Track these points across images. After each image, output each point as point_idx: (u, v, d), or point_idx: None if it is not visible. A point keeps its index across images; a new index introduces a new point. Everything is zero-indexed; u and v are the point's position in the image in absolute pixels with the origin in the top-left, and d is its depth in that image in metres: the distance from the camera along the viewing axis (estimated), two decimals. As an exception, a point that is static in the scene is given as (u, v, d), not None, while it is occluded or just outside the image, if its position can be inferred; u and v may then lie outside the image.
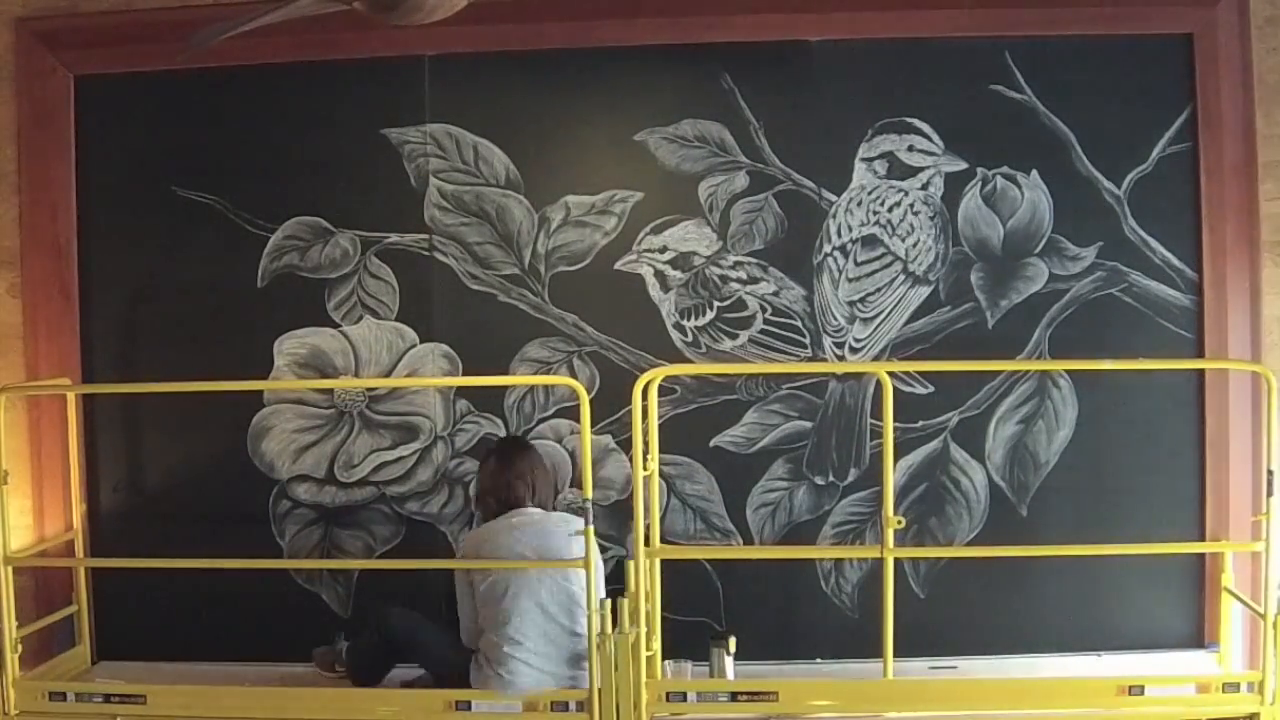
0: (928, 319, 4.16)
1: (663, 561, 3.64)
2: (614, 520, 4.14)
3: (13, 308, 4.30)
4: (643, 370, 3.81)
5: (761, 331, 4.16)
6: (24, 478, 4.20)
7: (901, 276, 4.15)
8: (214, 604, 4.21)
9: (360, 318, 4.25)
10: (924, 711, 3.66)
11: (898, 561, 3.92)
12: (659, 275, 4.18)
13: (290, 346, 4.26)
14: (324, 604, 4.27)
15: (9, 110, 4.26)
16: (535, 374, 4.20)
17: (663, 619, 3.63)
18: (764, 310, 4.17)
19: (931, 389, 4.14)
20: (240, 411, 4.25)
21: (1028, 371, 4.12)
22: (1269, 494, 3.50)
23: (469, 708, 3.58)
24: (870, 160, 4.13)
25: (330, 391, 4.26)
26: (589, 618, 3.47)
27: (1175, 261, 4.08)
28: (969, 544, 4.15)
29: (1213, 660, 4.00)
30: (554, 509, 3.89)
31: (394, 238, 4.22)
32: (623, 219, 4.18)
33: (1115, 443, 4.12)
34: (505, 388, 4.22)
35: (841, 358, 4.15)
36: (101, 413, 4.31)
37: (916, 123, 4.11)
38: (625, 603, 3.46)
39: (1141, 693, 3.50)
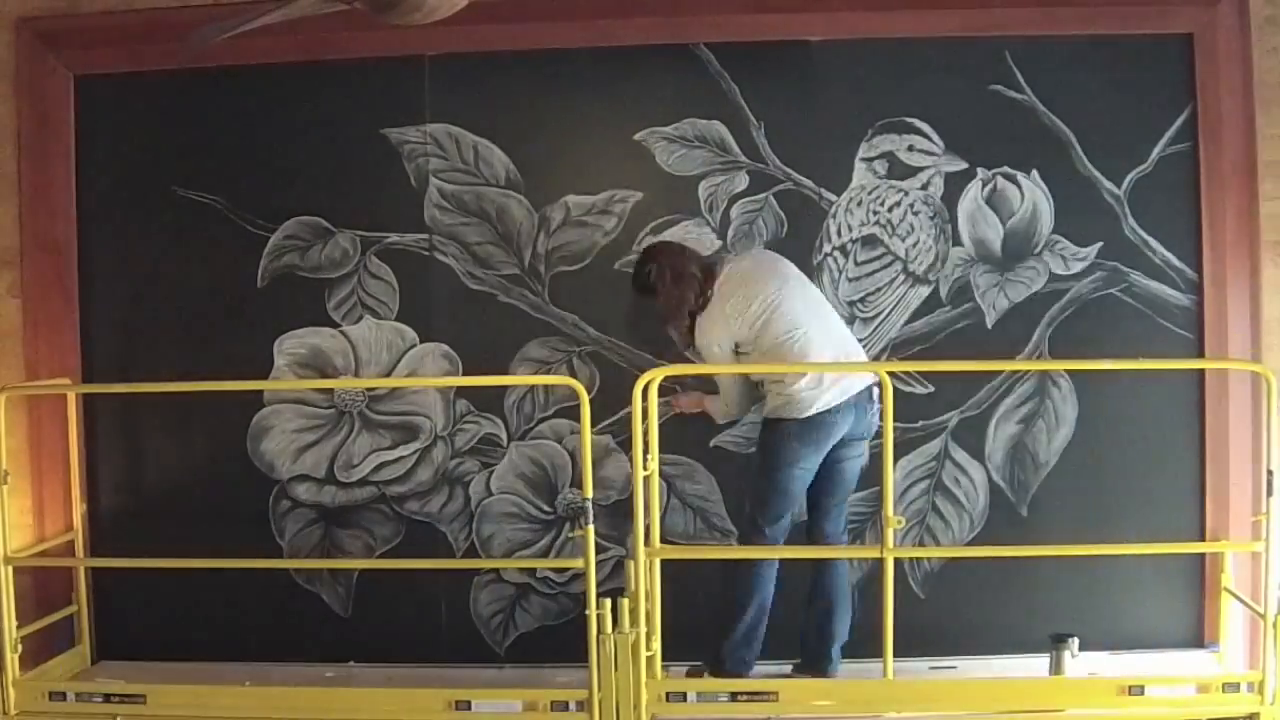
0: (928, 319, 4.16)
1: (662, 561, 3.64)
2: (614, 520, 4.14)
3: (13, 308, 4.30)
4: (643, 370, 3.80)
5: (761, 331, 4.16)
6: (24, 478, 4.20)
7: (901, 276, 4.15)
8: (213, 604, 4.21)
9: (360, 318, 4.25)
10: (924, 711, 3.66)
11: (897, 561, 3.91)
12: (659, 275, 4.18)
13: (290, 346, 4.26)
14: (324, 604, 4.27)
15: (9, 110, 4.26)
16: (535, 374, 4.20)
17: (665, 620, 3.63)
18: (764, 310, 4.16)
19: (931, 389, 4.14)
20: (240, 411, 4.25)
21: (1028, 371, 4.12)
22: (1269, 494, 3.49)
23: (469, 707, 3.58)
24: (870, 160, 4.14)
25: (330, 391, 4.26)
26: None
27: (1175, 261, 4.08)
28: (969, 544, 4.16)
29: (1213, 660, 4.00)
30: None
31: (394, 238, 4.22)
32: (623, 219, 4.18)
33: (1115, 443, 4.12)
34: (505, 388, 4.22)
35: (841, 358, 4.15)
36: (101, 413, 4.31)
37: (916, 123, 4.12)
38: (625, 603, 3.46)
39: (1141, 693, 3.50)
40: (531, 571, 4.25)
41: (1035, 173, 4.11)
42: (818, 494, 3.91)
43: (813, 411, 3.75)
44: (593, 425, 3.59)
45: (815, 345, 3.79)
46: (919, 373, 4.12)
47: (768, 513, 3.85)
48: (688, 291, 3.85)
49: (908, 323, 4.16)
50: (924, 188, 4.13)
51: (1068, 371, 4.11)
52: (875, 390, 3.82)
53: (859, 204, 4.14)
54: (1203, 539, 4.07)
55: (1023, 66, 4.08)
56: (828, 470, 3.86)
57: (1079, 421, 4.13)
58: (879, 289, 4.16)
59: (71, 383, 4.22)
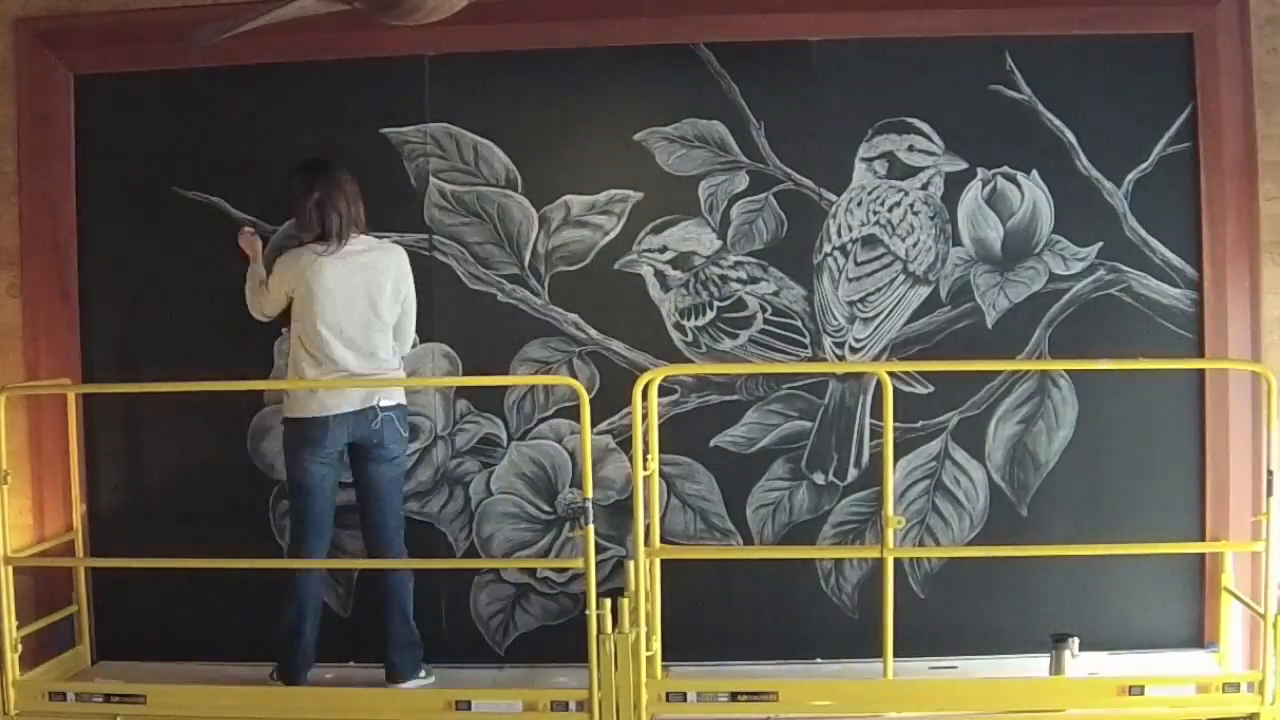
0: (928, 319, 4.16)
1: (663, 561, 3.65)
2: (614, 520, 4.14)
3: (13, 308, 4.30)
4: (643, 370, 3.80)
5: (761, 331, 4.16)
6: (24, 478, 4.20)
7: (901, 276, 4.15)
8: (214, 603, 4.21)
9: (360, 318, 4.24)
10: (924, 711, 3.66)
11: (898, 561, 3.91)
12: (659, 275, 4.18)
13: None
14: (324, 604, 4.27)
15: (9, 110, 4.26)
16: (535, 374, 4.20)
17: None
18: (764, 310, 4.17)
19: (931, 389, 4.14)
20: (240, 411, 4.25)
21: (1028, 371, 4.12)
22: (1269, 494, 3.50)
23: (469, 707, 3.58)
24: (870, 160, 4.14)
25: (330, 391, 4.26)
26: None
27: (1175, 261, 4.09)
28: (969, 544, 4.16)
29: (1213, 660, 4.00)
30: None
31: (394, 238, 4.22)
32: (623, 219, 4.18)
33: (1115, 443, 4.12)
34: (505, 388, 4.22)
35: (841, 358, 4.16)
36: (101, 413, 4.31)
37: (916, 123, 4.12)
38: (625, 603, 3.46)
39: (1141, 693, 3.50)
40: (531, 571, 4.25)
41: (1035, 173, 4.11)
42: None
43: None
44: (593, 425, 3.60)
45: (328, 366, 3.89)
46: (919, 373, 4.12)
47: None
48: (309, 226, 3.94)
49: (908, 323, 4.16)
50: (924, 188, 4.13)
51: (1068, 371, 4.11)
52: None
53: (859, 204, 4.15)
54: (1203, 539, 4.07)
55: (1023, 66, 4.08)
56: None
57: (1079, 421, 4.13)
58: (879, 289, 4.16)
59: (71, 383, 4.22)
